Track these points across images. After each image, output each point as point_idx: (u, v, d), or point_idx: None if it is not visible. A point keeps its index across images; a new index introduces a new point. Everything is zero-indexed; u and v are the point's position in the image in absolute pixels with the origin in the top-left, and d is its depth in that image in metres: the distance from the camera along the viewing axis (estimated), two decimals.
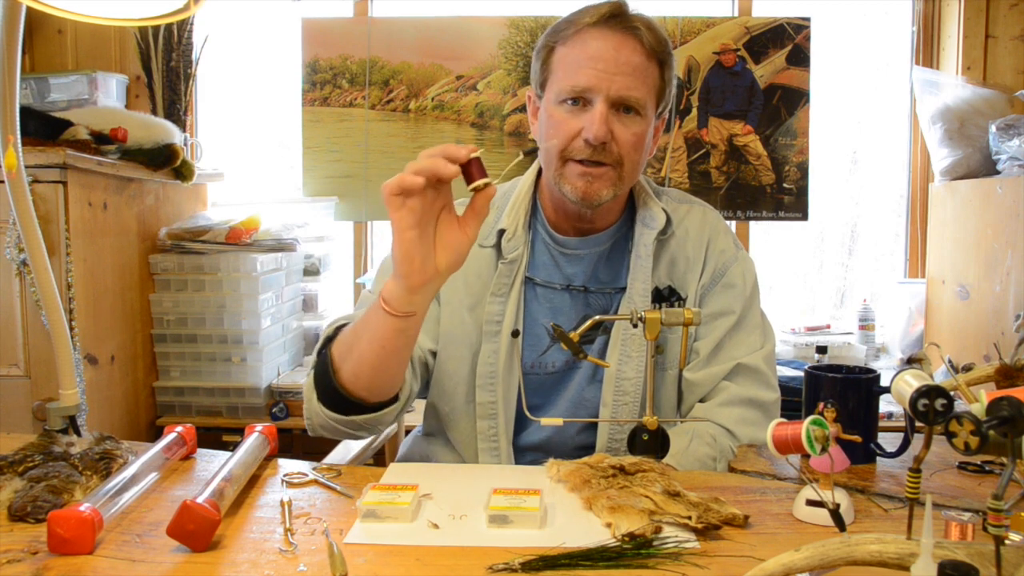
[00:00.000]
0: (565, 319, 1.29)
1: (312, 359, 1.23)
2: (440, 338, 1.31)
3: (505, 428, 1.26)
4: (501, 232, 1.29)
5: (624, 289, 1.29)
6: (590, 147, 1.19)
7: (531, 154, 1.19)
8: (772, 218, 2.83)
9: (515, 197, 1.33)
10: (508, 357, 1.26)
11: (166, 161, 2.33)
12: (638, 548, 0.82)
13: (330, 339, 1.18)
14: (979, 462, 1.07)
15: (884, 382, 0.98)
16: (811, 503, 0.91)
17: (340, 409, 1.15)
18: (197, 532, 0.82)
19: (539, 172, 1.33)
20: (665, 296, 1.29)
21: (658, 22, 1.25)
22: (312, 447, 1.34)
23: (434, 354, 1.31)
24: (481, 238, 1.30)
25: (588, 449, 1.25)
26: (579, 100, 1.20)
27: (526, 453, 1.28)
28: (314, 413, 1.17)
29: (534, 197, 1.33)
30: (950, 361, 1.21)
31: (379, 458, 2.08)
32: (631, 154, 1.21)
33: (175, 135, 2.39)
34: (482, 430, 1.27)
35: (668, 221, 1.29)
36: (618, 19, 1.21)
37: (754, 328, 1.30)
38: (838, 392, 1.05)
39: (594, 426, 1.27)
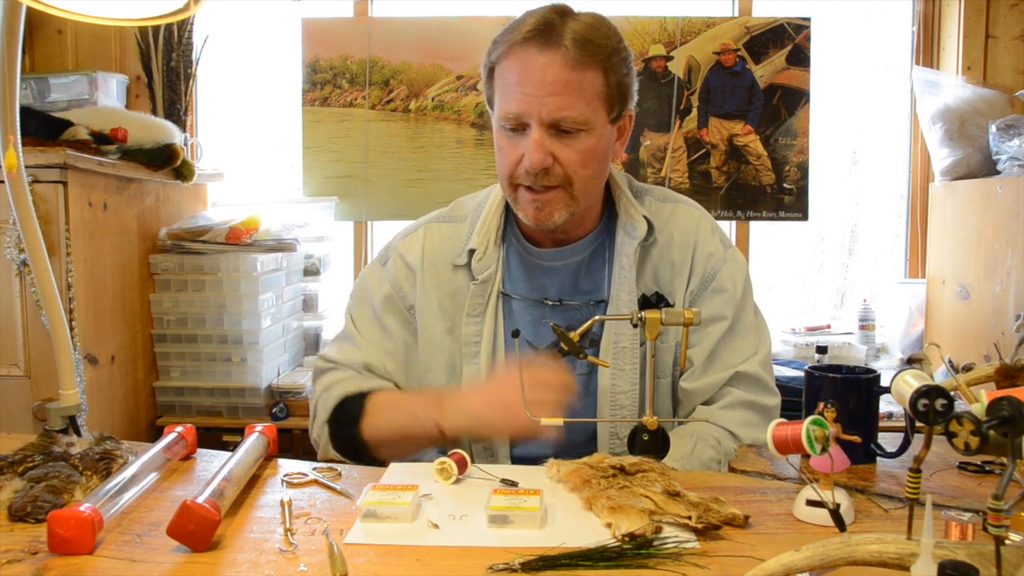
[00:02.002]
0: (546, 332, 1.27)
1: (324, 415, 1.29)
2: (420, 365, 1.31)
3: (499, 445, 1.26)
4: (472, 252, 1.27)
5: (603, 302, 1.27)
6: (532, 174, 1.16)
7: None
8: (772, 218, 2.83)
9: (486, 212, 1.29)
10: (490, 376, 1.25)
11: (166, 161, 2.33)
12: (638, 548, 0.82)
13: (344, 408, 1.26)
14: (979, 462, 1.07)
15: (884, 382, 0.98)
16: (811, 503, 0.91)
17: (364, 461, 1.25)
18: (197, 532, 0.82)
19: None
20: (653, 303, 1.26)
21: (598, 20, 1.17)
22: (312, 447, 1.35)
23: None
24: (453, 257, 1.29)
25: None
26: (516, 126, 1.16)
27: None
28: (331, 455, 1.28)
29: (507, 209, 1.30)
30: (950, 361, 1.21)
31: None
32: (579, 171, 1.17)
33: (175, 135, 2.39)
34: (477, 451, 1.26)
35: (650, 227, 1.26)
36: (541, 35, 1.13)
37: (748, 332, 1.28)
38: (838, 392, 1.05)
39: (593, 440, 1.26)
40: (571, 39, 1.13)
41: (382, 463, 1.25)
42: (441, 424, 1.16)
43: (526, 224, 1.24)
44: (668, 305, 1.27)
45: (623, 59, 1.19)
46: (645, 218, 1.26)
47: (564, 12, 1.16)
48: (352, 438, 1.24)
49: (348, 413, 1.26)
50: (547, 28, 1.13)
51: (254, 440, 1.08)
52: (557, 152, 1.15)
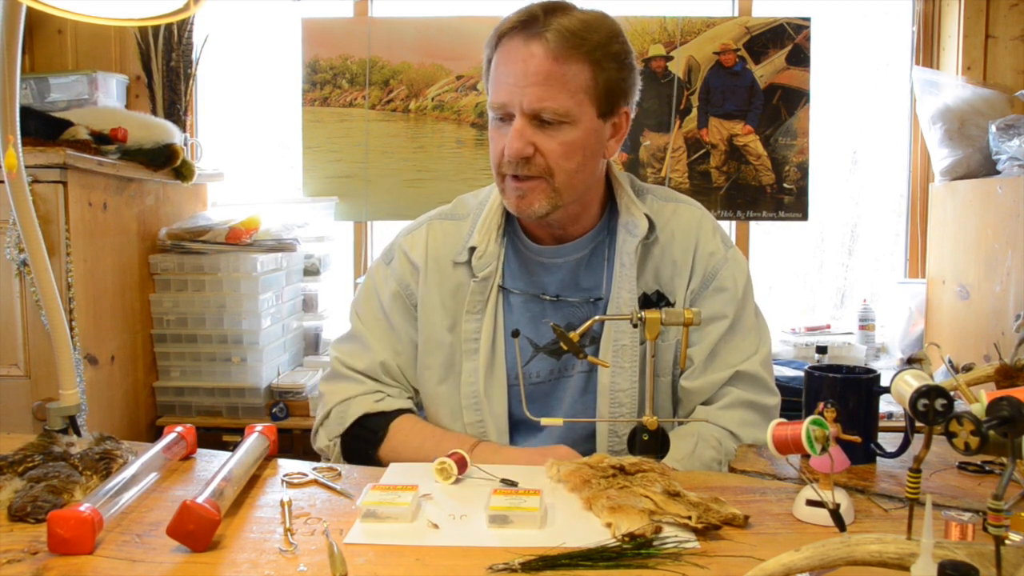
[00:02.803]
0: (545, 329, 1.27)
1: (338, 428, 1.29)
2: (419, 362, 1.32)
3: (497, 442, 1.26)
4: (472, 249, 1.28)
5: (601, 299, 1.27)
6: (512, 162, 1.17)
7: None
8: (772, 218, 2.83)
9: (488, 210, 1.30)
10: (488, 372, 1.26)
11: (166, 161, 2.33)
12: (638, 548, 0.82)
13: (363, 426, 1.27)
14: (979, 462, 1.07)
15: (884, 382, 0.98)
16: (811, 503, 0.91)
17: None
18: (197, 532, 0.82)
19: None
20: (654, 302, 1.27)
21: (595, 17, 1.18)
22: (312, 447, 1.35)
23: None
24: (454, 255, 1.30)
25: None
26: (504, 116, 1.18)
27: None
28: (340, 461, 1.28)
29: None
30: (950, 361, 1.21)
31: None
32: (561, 163, 1.17)
33: (175, 135, 2.39)
34: None
35: (652, 226, 1.26)
36: (524, 26, 1.16)
37: (748, 331, 1.28)
38: (838, 392, 1.05)
39: (592, 439, 1.26)
40: (554, 31, 1.14)
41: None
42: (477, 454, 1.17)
43: (510, 210, 1.24)
44: (669, 304, 1.27)
45: (614, 55, 1.19)
46: (647, 216, 1.26)
47: (554, 8, 1.17)
48: (367, 457, 1.26)
49: (368, 431, 1.27)
50: (530, 20, 1.16)
51: (254, 440, 1.08)
52: (539, 143, 1.17)
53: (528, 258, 1.29)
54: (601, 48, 1.17)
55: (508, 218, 1.31)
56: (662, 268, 1.28)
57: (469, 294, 1.27)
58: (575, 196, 1.23)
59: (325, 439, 1.31)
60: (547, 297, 1.28)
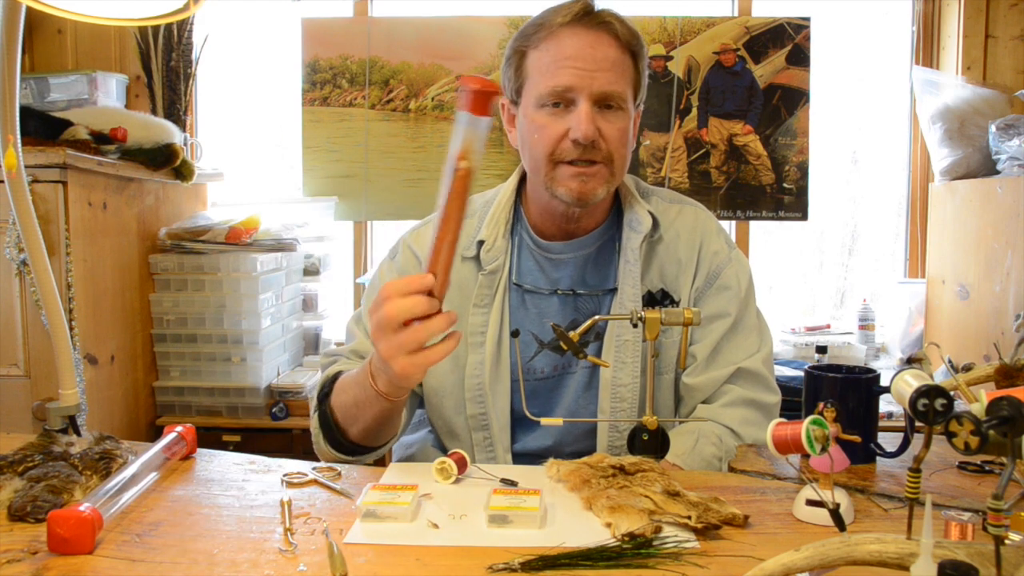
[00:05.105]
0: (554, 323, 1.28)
1: (313, 402, 1.26)
2: None
3: (499, 436, 1.26)
4: (480, 243, 1.29)
5: (612, 291, 1.28)
6: (580, 147, 1.18)
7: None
8: (772, 218, 2.83)
9: (496, 206, 1.32)
10: (494, 366, 1.26)
11: (166, 161, 2.33)
12: (638, 548, 0.82)
13: (327, 392, 1.21)
14: (979, 462, 1.07)
15: (884, 382, 0.98)
16: (811, 503, 0.91)
17: (347, 451, 1.21)
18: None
19: (521, 178, 1.33)
20: (658, 299, 1.28)
21: (626, 15, 1.25)
22: (312, 447, 1.35)
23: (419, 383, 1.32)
24: (462, 249, 1.30)
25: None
26: (561, 102, 1.19)
27: (523, 460, 1.27)
28: (322, 452, 1.24)
29: (516, 204, 1.33)
30: (950, 361, 1.21)
31: (379, 458, 2.08)
32: (619, 149, 1.21)
33: (175, 135, 2.39)
34: (477, 441, 1.27)
35: (656, 224, 1.28)
36: (590, 16, 1.20)
37: (751, 330, 1.29)
38: (838, 392, 1.05)
39: (593, 435, 1.27)
40: (618, 22, 1.21)
41: (365, 451, 1.23)
42: (374, 382, 1.09)
43: (566, 202, 1.22)
44: (673, 302, 1.29)
45: (646, 54, 1.27)
46: (651, 214, 1.28)
47: (600, 6, 1.24)
48: (325, 417, 1.21)
49: (322, 392, 1.23)
50: (592, 11, 1.21)
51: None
52: (602, 127, 1.19)
53: (538, 255, 1.31)
54: (643, 47, 1.25)
55: (516, 214, 1.33)
56: (667, 266, 1.30)
57: (476, 287, 1.28)
58: (617, 184, 1.27)
59: (311, 426, 1.27)
60: (562, 291, 1.29)
